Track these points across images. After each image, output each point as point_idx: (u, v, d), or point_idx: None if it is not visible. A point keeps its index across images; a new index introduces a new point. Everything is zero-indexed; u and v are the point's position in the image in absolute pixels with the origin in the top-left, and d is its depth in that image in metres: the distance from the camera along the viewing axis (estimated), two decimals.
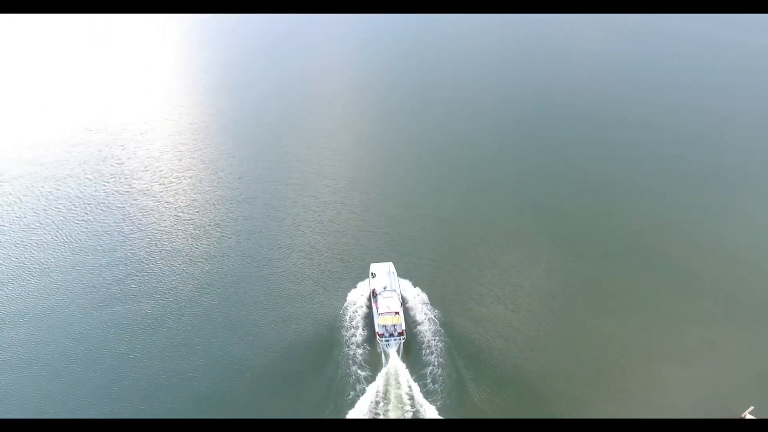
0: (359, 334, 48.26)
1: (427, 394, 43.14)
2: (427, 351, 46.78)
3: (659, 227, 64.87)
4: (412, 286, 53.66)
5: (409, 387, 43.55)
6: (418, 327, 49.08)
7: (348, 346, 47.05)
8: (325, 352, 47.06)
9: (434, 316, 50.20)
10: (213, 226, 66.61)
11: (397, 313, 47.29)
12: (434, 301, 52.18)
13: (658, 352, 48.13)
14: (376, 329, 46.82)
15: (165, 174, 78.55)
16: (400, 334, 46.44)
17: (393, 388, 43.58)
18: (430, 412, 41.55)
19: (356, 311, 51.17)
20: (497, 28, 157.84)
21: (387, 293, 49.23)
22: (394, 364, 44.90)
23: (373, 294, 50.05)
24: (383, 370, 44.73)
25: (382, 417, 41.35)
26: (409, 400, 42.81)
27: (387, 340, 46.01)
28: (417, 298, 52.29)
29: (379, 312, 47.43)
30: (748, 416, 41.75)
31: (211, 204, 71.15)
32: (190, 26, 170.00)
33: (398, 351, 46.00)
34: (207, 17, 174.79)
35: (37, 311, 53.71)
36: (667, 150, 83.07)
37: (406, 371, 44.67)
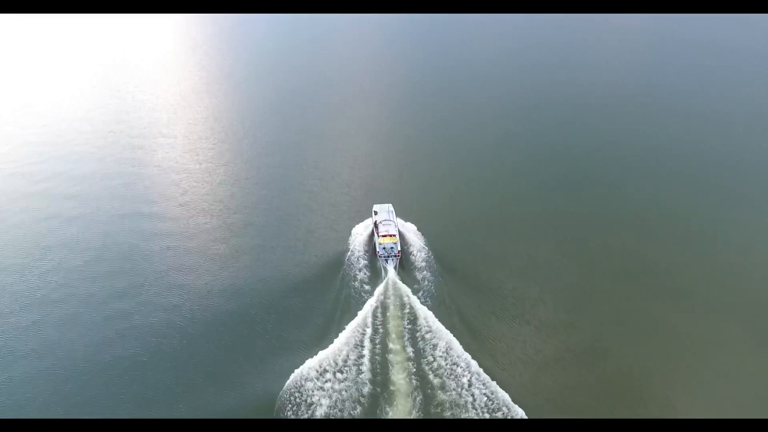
0: (363, 257, 58.85)
1: (418, 297, 53.13)
2: (418, 267, 57.42)
3: (683, 247, 63.41)
4: (410, 223, 64.83)
5: (405, 293, 53.60)
6: (411, 250, 59.68)
7: (354, 264, 57.83)
8: (335, 269, 57.91)
9: (424, 243, 60.93)
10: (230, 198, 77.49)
11: (393, 235, 57.72)
12: (425, 233, 63.25)
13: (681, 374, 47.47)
14: (377, 249, 57.17)
15: (183, 178, 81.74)
16: (396, 255, 56.63)
17: (392, 294, 53.53)
18: (421, 310, 51.39)
19: (360, 244, 61.59)
20: (522, 35, 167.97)
21: (386, 221, 59.81)
22: (392, 277, 55.01)
23: (375, 225, 60.48)
24: (383, 282, 54.81)
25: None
26: (407, 305, 52.49)
27: (386, 258, 56.24)
28: (411, 231, 63.10)
29: (380, 235, 57.77)
30: None
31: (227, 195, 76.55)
32: (213, 29, 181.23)
33: (395, 267, 56.11)
34: (230, 18, 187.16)
35: (53, 307, 55.58)
36: (695, 167, 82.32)
37: (401, 282, 54.80)
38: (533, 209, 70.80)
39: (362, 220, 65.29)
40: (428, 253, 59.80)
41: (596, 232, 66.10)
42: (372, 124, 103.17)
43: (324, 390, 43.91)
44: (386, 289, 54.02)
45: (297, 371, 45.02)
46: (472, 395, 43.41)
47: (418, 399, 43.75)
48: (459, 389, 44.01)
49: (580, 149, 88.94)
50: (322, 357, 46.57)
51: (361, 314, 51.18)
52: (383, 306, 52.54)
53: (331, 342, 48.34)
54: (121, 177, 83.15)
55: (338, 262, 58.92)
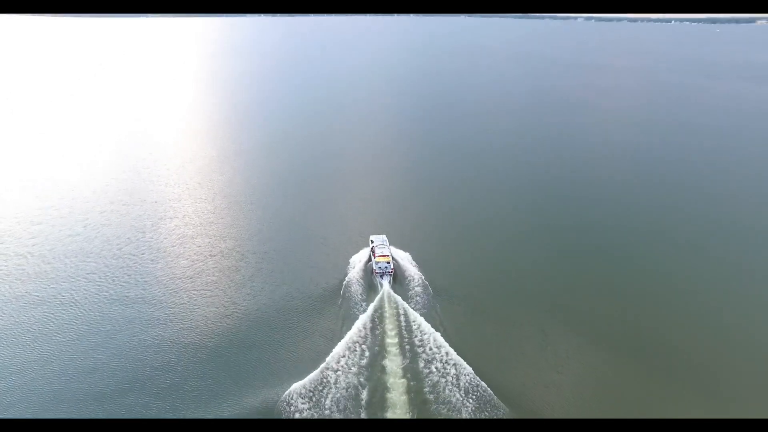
0: (361, 276, 67.18)
1: (411, 306, 60.83)
2: (411, 283, 65.86)
3: (694, 325, 61.96)
4: (404, 252, 73.87)
5: (399, 303, 60.83)
6: (404, 272, 68.21)
7: (354, 281, 66.22)
8: (338, 286, 65.99)
9: (414, 266, 70.11)
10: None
11: (387, 256, 66.13)
12: (417, 260, 72.45)
13: None
14: (374, 268, 65.42)
15: (193, 251, 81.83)
16: (390, 272, 64.67)
17: (387, 304, 60.96)
18: (413, 316, 58.54)
19: (358, 269, 69.95)
20: (538, 86, 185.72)
21: (381, 246, 68.76)
22: (387, 290, 62.67)
23: (372, 249, 69.21)
24: (379, 294, 62.47)
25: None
26: (401, 312, 59.68)
27: (381, 275, 64.29)
28: (406, 260, 71.96)
29: (376, 256, 66.15)
30: None
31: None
32: (228, 111, 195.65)
33: (389, 282, 63.92)
34: (246, 98, 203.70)
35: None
36: (706, 239, 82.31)
37: (395, 294, 62.27)
38: (527, 250, 79.11)
39: (359, 251, 74.46)
40: (420, 274, 68.24)
41: (582, 257, 75.77)
42: (377, 181, 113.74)
43: (325, 391, 49.21)
44: (382, 300, 61.36)
45: (302, 381, 50.21)
46: (460, 390, 49.34)
47: (413, 396, 49.40)
48: (447, 384, 49.97)
49: (580, 212, 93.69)
50: (326, 361, 52.38)
51: (360, 321, 58.19)
52: (380, 314, 59.57)
53: (334, 345, 54.94)
54: (130, 248, 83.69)
55: (339, 283, 66.80)
